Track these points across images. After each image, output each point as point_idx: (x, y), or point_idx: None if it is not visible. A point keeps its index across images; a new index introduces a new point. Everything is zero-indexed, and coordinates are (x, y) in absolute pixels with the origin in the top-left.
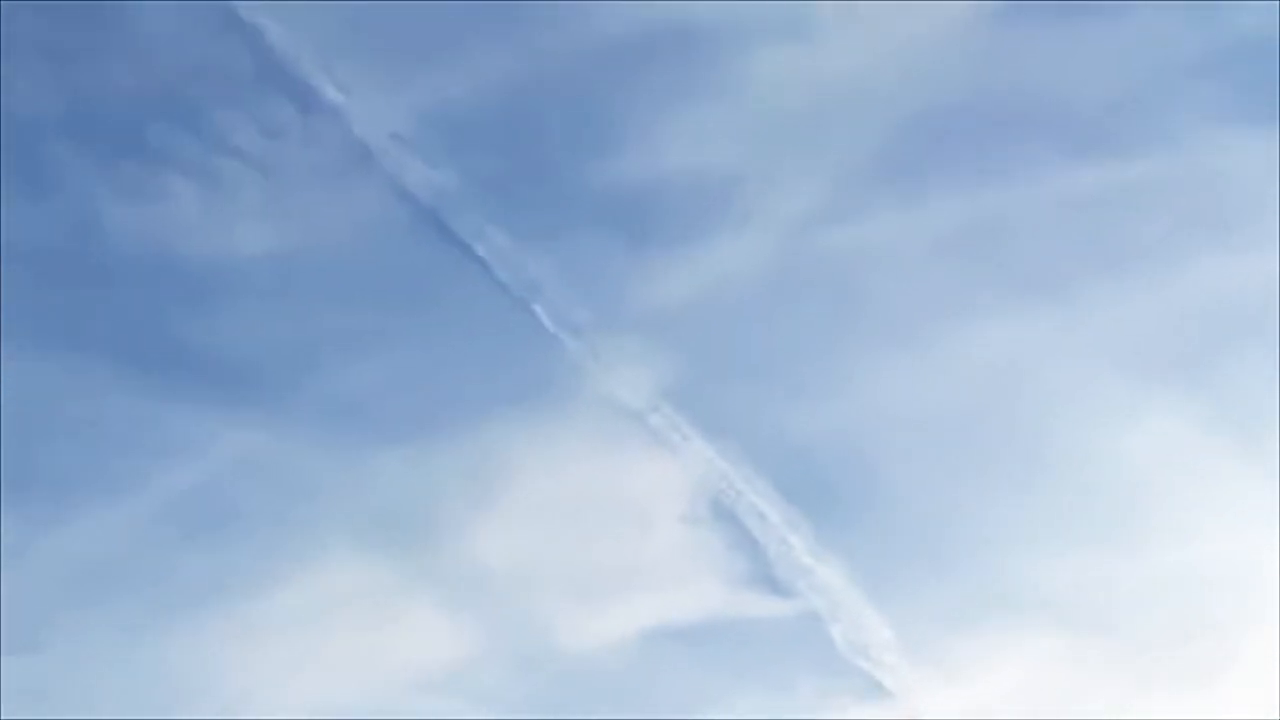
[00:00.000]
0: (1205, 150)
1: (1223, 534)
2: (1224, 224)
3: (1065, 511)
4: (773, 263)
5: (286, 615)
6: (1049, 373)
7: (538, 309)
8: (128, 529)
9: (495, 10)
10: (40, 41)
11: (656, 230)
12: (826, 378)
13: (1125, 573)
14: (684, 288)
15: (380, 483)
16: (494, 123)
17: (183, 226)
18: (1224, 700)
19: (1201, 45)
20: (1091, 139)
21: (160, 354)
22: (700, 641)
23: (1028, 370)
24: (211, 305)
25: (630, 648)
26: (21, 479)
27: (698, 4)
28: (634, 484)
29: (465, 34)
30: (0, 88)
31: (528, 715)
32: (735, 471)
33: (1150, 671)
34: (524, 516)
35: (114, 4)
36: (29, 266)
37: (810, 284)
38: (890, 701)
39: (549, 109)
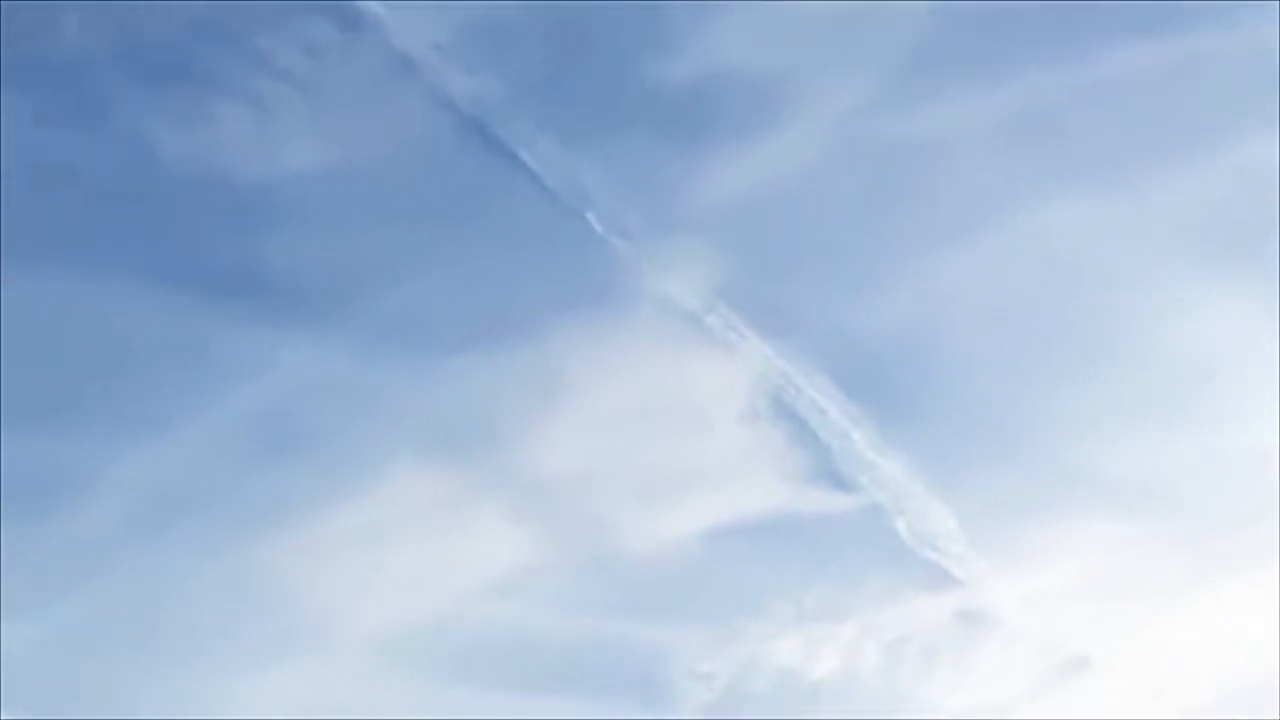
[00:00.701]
0: (1261, 24)
1: None
2: None
3: (1129, 396)
4: (825, 158)
5: (355, 529)
6: (1110, 257)
7: (589, 215)
8: (194, 452)
9: None
10: None
11: (706, 130)
12: (884, 270)
13: (1190, 456)
14: (736, 186)
15: (441, 394)
16: (536, 27)
17: (232, 150)
18: None
19: None
20: (1144, 16)
21: (218, 278)
22: (765, 538)
23: (1089, 255)
24: (266, 227)
25: (695, 546)
26: (87, 405)
27: None
28: (693, 384)
29: None
30: (49, 22)
31: (595, 616)
32: (794, 368)
33: (1217, 555)
34: (584, 421)
35: None
36: (86, 196)
37: (865, 177)
38: (958, 590)
39: (591, 10)
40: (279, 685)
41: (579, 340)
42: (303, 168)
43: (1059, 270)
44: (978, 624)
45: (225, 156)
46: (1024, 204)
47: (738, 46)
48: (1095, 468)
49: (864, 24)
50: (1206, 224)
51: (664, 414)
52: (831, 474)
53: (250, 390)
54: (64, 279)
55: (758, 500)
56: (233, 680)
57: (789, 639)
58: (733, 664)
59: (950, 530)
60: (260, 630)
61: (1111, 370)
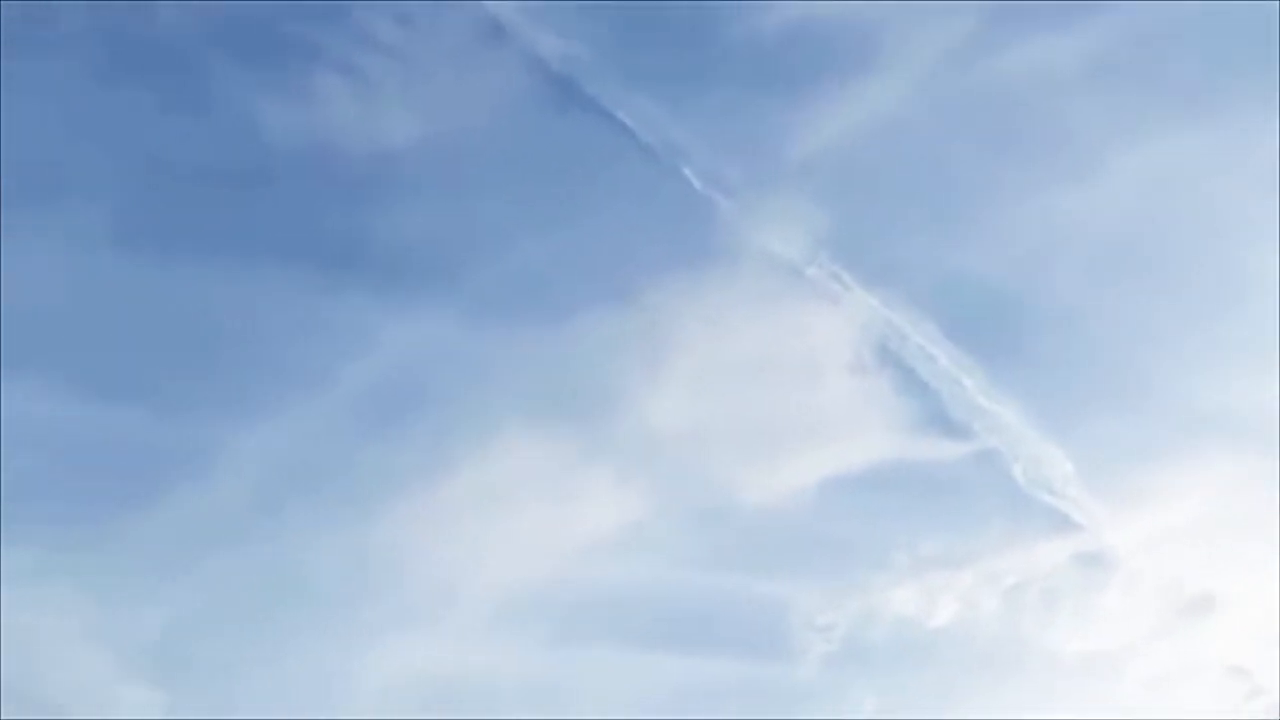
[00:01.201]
0: None
1: None
2: None
3: (1248, 333)
4: (923, 103)
5: (470, 496)
6: (1224, 191)
7: (686, 171)
8: (311, 427)
9: None
10: None
11: (799, 80)
12: (989, 213)
13: None
14: (833, 136)
15: (549, 358)
16: None
17: (334, 124)
18: None
19: None
20: None
21: (329, 252)
22: (878, 489)
23: (1201, 189)
24: (371, 199)
25: (808, 500)
26: (205, 385)
27: None
28: (798, 338)
29: None
30: (149, 11)
31: (711, 572)
32: (900, 317)
33: None
34: (691, 379)
35: None
36: (195, 180)
37: (964, 120)
38: (1077, 534)
39: None
40: (402, 651)
41: (683, 298)
42: (403, 138)
43: (1170, 204)
44: (1098, 567)
45: (328, 131)
46: (1129, 137)
47: None
48: (1215, 406)
49: None
50: None
51: (770, 368)
52: (943, 422)
53: (363, 363)
54: (178, 262)
55: (869, 451)
56: (358, 648)
57: (907, 589)
58: (851, 615)
59: (1067, 474)
60: (382, 598)
61: (1229, 307)
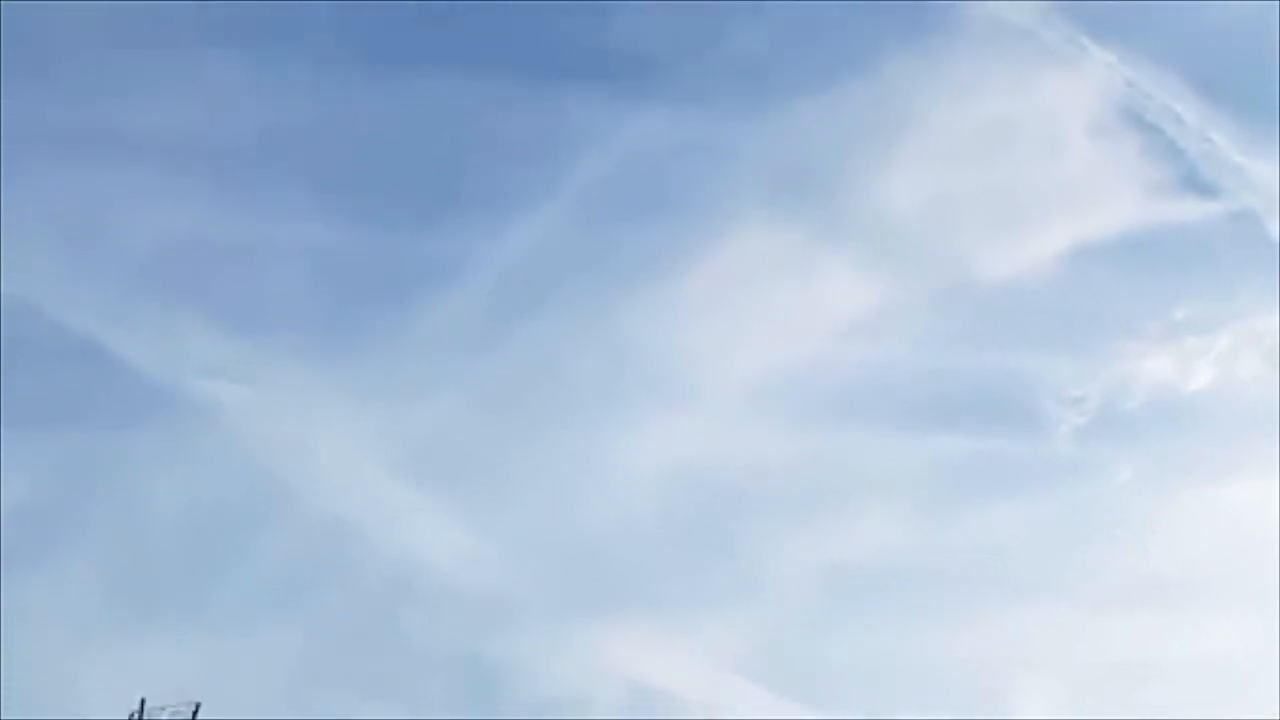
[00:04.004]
0: None
1: None
2: None
3: None
4: None
5: (715, 284)
6: None
7: None
8: (559, 225)
9: None
10: None
11: None
12: None
13: None
14: None
15: (782, 143)
16: None
17: None
18: None
19: None
20: None
21: (555, 60)
22: (1127, 256)
23: None
24: (593, 6)
25: (1055, 271)
26: (457, 196)
27: None
28: (1037, 105)
29: None
30: None
31: (958, 350)
32: (1141, 75)
33: None
34: (928, 155)
35: None
36: None
37: None
38: None
39: None
40: (658, 439)
41: (913, 73)
42: None
43: None
44: None
45: None
46: None
47: None
48: None
49: None
50: None
51: (1009, 139)
52: (1193, 181)
53: (598, 163)
54: (413, 79)
55: (1116, 218)
56: (616, 438)
57: (1161, 356)
58: (1104, 386)
59: None
60: (635, 390)
61: None
